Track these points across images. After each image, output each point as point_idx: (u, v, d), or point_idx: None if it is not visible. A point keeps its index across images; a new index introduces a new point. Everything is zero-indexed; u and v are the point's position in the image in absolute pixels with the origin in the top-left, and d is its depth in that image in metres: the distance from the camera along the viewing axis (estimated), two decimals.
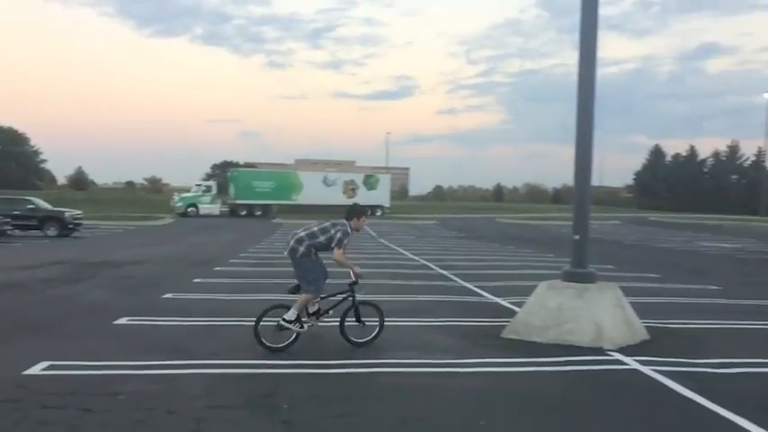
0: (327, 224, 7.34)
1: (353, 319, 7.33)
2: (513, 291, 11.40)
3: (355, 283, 7.32)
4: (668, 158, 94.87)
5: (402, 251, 21.10)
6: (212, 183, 51.78)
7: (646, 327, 8.06)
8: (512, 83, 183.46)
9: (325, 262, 7.37)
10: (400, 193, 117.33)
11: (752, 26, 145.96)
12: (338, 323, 7.30)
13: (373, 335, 7.41)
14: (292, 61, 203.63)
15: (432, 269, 15.74)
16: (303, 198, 50.32)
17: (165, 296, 10.72)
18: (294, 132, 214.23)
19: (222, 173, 72.34)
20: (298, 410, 5.06)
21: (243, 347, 7.04)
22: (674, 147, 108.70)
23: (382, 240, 26.62)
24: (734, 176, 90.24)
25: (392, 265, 16.33)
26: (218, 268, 15.02)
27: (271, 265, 15.85)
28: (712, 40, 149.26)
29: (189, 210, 45.96)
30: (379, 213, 52.08)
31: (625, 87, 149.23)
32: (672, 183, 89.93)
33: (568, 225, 8.51)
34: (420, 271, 15.30)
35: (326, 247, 7.20)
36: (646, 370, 6.31)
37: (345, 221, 7.39)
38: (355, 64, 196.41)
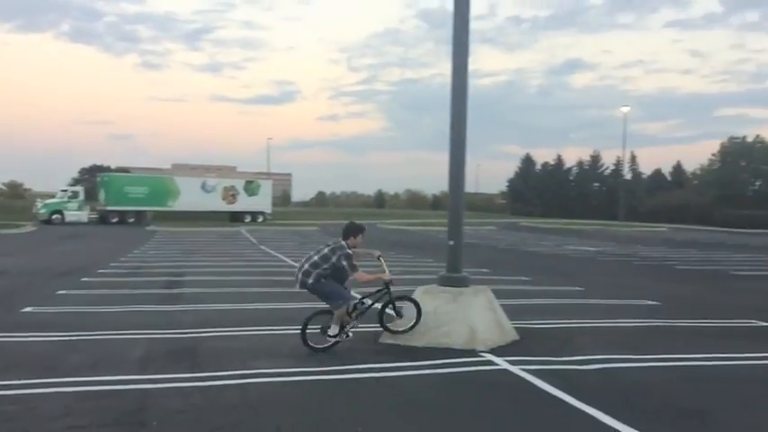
0: (326, 251, 7.32)
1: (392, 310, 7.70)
2: None
3: (390, 282, 7.69)
4: (538, 167, 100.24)
5: (283, 258, 20.85)
6: (80, 188, 48.82)
7: (516, 328, 8.42)
8: (392, 91, 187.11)
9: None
10: (282, 199, 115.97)
11: (611, 45, 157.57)
12: (377, 313, 7.74)
13: (410, 325, 7.67)
14: (169, 62, 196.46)
15: None
16: (180, 204, 48.53)
17: (24, 310, 9.95)
18: (171, 136, 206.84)
19: (91, 177, 68.34)
20: (167, 427, 4.84)
21: (109, 363, 6.65)
22: (543, 156, 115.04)
23: (263, 247, 26.19)
24: (596, 184, 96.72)
25: (272, 272, 16.09)
26: (85, 279, 14.14)
27: (143, 275, 15.15)
28: (577, 56, 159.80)
29: (53, 217, 42.94)
30: (260, 220, 51.24)
31: (499, 98, 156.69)
32: (541, 190, 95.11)
33: (446, 231, 8.73)
34: None
35: (335, 273, 7.27)
36: (514, 369, 6.58)
37: (343, 243, 7.35)
38: (235, 67, 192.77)
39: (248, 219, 50.45)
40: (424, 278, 12.77)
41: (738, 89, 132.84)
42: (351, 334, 7.50)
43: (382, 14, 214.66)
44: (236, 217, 50.54)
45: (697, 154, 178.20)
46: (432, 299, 7.99)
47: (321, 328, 7.33)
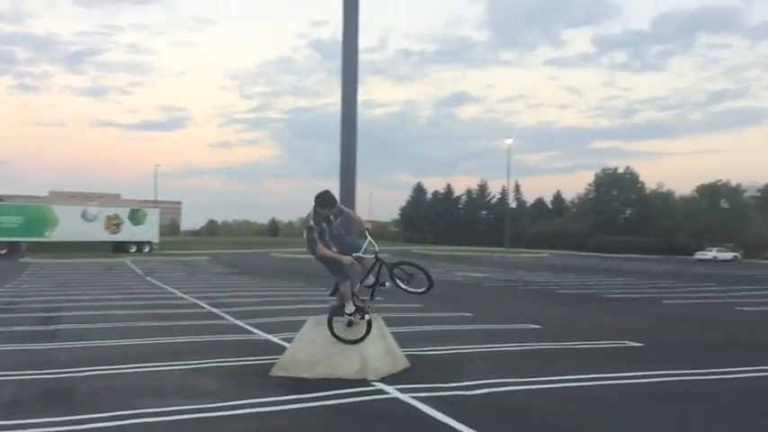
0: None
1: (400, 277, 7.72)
2: (284, 327, 11.40)
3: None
4: (429, 195, 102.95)
5: (171, 290, 20.10)
6: None
7: (408, 355, 8.54)
8: (285, 119, 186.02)
9: None
10: (170, 228, 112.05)
11: (494, 80, 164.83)
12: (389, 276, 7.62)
13: (426, 287, 7.67)
14: (48, 85, 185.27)
15: (202, 307, 15.18)
16: (58, 234, 45.83)
17: None
18: (49, 162, 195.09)
19: None
20: None
21: None
22: (434, 184, 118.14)
23: (150, 279, 25.13)
24: (483, 212, 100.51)
25: (159, 305, 15.46)
26: None
27: (14, 311, 14.12)
28: (463, 89, 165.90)
29: None
30: (147, 250, 49.23)
31: (391, 128, 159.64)
32: (432, 218, 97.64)
33: None
34: (189, 310, 14.67)
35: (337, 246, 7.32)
36: (405, 397, 6.67)
37: (309, 212, 7.20)
38: (121, 92, 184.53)
39: (134, 249, 48.35)
40: (317, 308, 12.73)
41: (610, 124, 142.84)
42: (368, 315, 7.61)
43: (274, 43, 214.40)
44: (120, 247, 48.30)
45: (575, 184, 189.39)
46: (324, 329, 7.96)
47: (348, 322, 7.65)
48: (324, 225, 7.31)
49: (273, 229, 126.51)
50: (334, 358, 7.68)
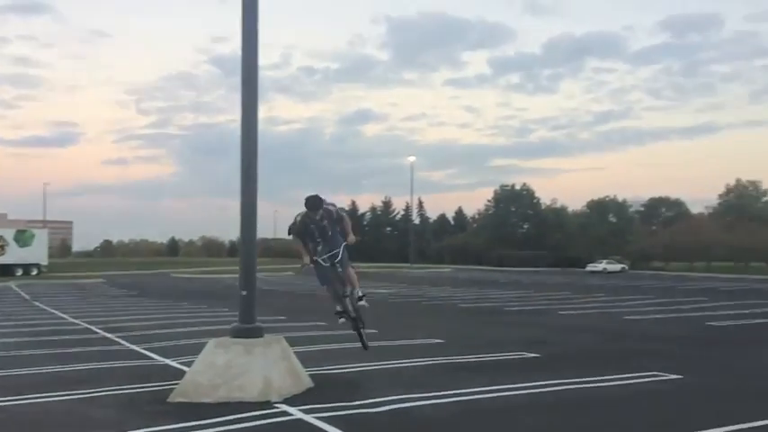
0: None
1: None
2: (184, 350, 11.03)
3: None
4: None
5: (61, 314, 18.99)
6: None
7: (312, 374, 8.48)
8: (185, 135, 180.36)
9: None
10: (61, 249, 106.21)
11: (397, 98, 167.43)
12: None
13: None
14: None
15: (95, 332, 14.43)
16: None
17: None
18: None
19: None
20: None
21: None
22: (339, 201, 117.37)
23: (37, 303, 23.66)
24: (388, 228, 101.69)
25: (48, 332, 14.56)
26: None
27: None
28: (367, 107, 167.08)
29: None
30: (34, 273, 46.43)
31: (296, 145, 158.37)
32: None
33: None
34: (81, 336, 13.90)
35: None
36: (308, 418, 6.60)
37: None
38: (6, 106, 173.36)
39: (20, 272, 45.50)
40: (218, 329, 12.40)
41: (507, 142, 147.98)
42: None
43: (173, 58, 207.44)
44: (5, 270, 45.24)
45: (475, 200, 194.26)
46: (225, 352, 7.77)
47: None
48: (312, 226, 8.16)
49: (173, 248, 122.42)
50: (236, 381, 7.50)
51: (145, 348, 11.72)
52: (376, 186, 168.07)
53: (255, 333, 8.08)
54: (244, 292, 8.24)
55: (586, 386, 8.26)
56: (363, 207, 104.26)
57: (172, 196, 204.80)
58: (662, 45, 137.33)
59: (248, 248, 8.44)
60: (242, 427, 6.34)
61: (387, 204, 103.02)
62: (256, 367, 7.59)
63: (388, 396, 7.53)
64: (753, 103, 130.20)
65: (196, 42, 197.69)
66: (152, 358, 10.75)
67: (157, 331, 14.37)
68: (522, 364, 10.09)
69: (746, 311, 19.47)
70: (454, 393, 7.72)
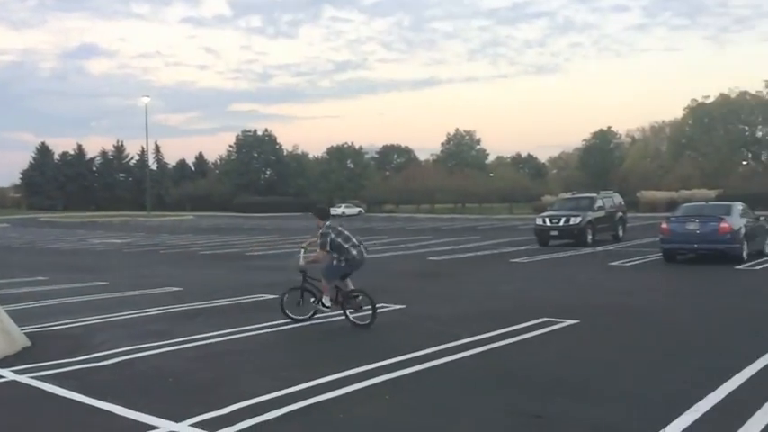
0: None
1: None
2: None
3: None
4: (57, 157, 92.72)
5: None
6: None
7: (28, 333, 7.71)
8: None
9: None
10: None
11: (127, 33, 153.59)
12: None
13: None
14: None
15: None
16: None
17: None
18: None
19: None
20: None
21: None
22: (63, 145, 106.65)
23: None
24: (122, 175, 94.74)
25: None
26: None
27: None
28: (92, 41, 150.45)
29: None
30: None
31: (6, 81, 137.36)
32: (62, 182, 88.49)
33: None
34: None
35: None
36: (23, 378, 6.00)
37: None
38: None
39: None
40: None
41: (249, 87, 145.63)
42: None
43: None
44: None
45: (217, 145, 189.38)
46: None
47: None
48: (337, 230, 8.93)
49: None
50: None
51: None
52: (106, 129, 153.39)
53: None
54: None
55: (317, 322, 8.71)
56: (93, 151, 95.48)
57: None
58: None
59: None
60: None
61: (119, 149, 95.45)
62: None
63: (115, 349, 7.15)
64: (470, 60, 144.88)
65: None
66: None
67: None
68: (260, 306, 10.26)
69: (459, 247, 22.04)
70: (189, 340, 7.60)
